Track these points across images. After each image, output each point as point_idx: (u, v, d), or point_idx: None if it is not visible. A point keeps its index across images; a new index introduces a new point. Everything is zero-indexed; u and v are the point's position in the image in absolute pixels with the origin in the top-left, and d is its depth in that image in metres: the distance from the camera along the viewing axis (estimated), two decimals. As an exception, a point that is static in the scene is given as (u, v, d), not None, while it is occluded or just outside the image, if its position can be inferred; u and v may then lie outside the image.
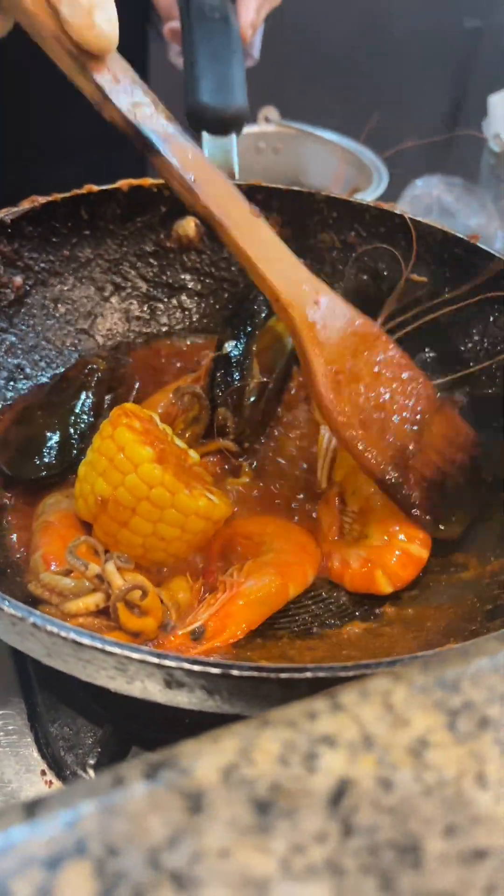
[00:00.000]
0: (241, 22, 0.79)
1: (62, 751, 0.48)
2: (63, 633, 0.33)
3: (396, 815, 0.21)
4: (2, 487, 0.57)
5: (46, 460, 0.57)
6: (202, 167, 0.52)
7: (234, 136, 0.74)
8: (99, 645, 0.32)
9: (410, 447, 0.54)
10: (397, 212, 0.69)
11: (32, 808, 0.20)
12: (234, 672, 0.32)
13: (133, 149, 0.52)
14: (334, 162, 1.23)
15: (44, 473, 0.57)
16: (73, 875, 0.19)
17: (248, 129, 1.16)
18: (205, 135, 0.73)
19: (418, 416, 0.55)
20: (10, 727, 0.49)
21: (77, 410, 0.61)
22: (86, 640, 0.33)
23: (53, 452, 0.58)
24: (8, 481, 0.57)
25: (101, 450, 0.50)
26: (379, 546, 0.53)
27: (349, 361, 0.53)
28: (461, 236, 0.66)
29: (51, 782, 0.47)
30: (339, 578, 0.53)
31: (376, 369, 0.54)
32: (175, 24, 0.87)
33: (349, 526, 0.57)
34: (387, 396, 0.54)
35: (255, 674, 0.32)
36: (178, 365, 0.71)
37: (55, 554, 0.49)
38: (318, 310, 0.52)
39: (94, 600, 0.44)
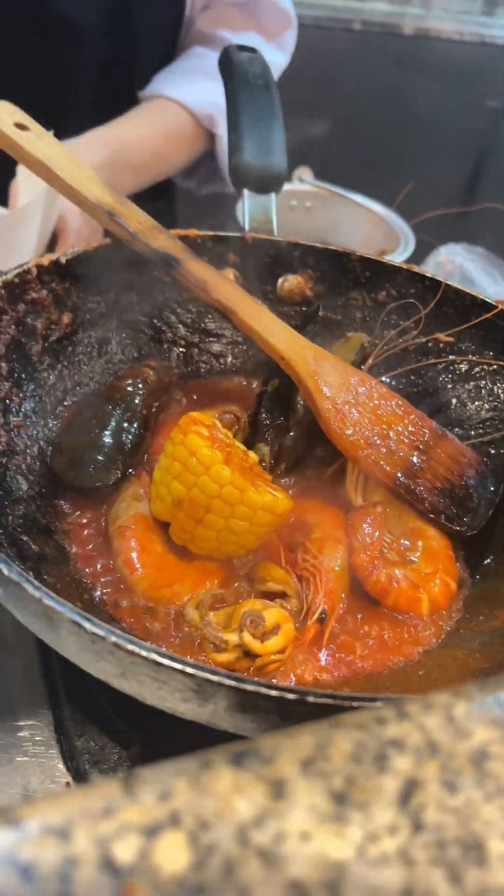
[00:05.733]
0: None
1: (87, 764, 0.49)
2: (144, 654, 0.34)
3: (461, 816, 0.23)
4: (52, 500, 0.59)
5: (101, 471, 0.60)
6: (211, 272, 0.66)
7: (273, 194, 0.78)
8: (179, 666, 0.34)
9: (416, 462, 0.63)
10: (428, 275, 0.73)
11: (128, 781, 0.22)
12: (310, 698, 0.33)
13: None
14: (363, 223, 1.28)
15: (98, 484, 0.59)
16: (170, 843, 0.21)
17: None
18: (246, 192, 0.77)
19: (420, 440, 0.64)
20: (38, 738, 0.50)
21: (129, 420, 0.64)
22: (166, 661, 0.34)
23: (107, 462, 0.60)
24: (62, 488, 0.59)
25: (175, 455, 0.55)
26: (427, 573, 0.58)
27: (348, 400, 0.63)
28: (490, 301, 0.70)
29: (75, 796, 0.48)
30: (381, 592, 0.57)
31: (373, 404, 0.64)
32: None
33: (388, 546, 0.61)
34: (386, 425, 0.64)
35: (330, 701, 0.33)
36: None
37: (138, 558, 0.55)
38: (315, 363, 0.63)
39: (236, 656, 0.49)
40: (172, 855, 0.20)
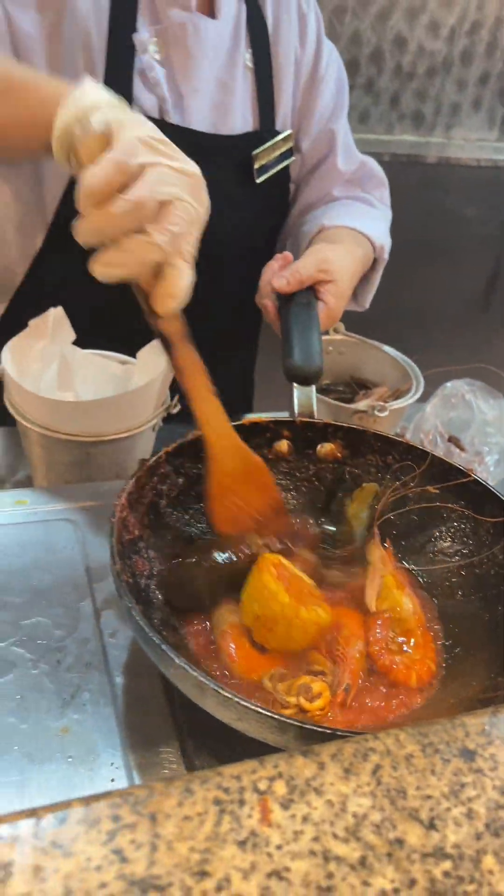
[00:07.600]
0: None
1: (203, 776, 0.81)
2: (253, 708, 0.65)
3: (398, 780, 0.55)
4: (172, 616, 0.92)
5: (195, 596, 0.93)
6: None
7: (313, 386, 1.12)
8: (271, 715, 0.65)
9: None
10: (419, 446, 1.06)
11: (261, 760, 0.54)
12: (338, 733, 0.65)
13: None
14: (385, 367, 1.62)
15: (193, 607, 0.92)
16: (279, 784, 0.53)
17: (320, 337, 1.57)
18: (294, 385, 1.12)
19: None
20: (171, 759, 0.82)
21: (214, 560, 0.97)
22: (264, 712, 0.66)
23: (197, 591, 0.93)
24: (174, 608, 0.92)
25: (254, 585, 0.87)
26: (416, 659, 0.88)
27: (233, 480, 0.94)
28: (461, 467, 1.02)
29: (198, 794, 0.80)
30: (386, 671, 0.87)
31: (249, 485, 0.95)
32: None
33: (391, 640, 0.91)
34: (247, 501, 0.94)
35: (345, 734, 0.65)
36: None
37: (235, 653, 0.86)
38: (221, 450, 0.94)
39: (294, 711, 0.78)
40: (280, 788, 0.53)
